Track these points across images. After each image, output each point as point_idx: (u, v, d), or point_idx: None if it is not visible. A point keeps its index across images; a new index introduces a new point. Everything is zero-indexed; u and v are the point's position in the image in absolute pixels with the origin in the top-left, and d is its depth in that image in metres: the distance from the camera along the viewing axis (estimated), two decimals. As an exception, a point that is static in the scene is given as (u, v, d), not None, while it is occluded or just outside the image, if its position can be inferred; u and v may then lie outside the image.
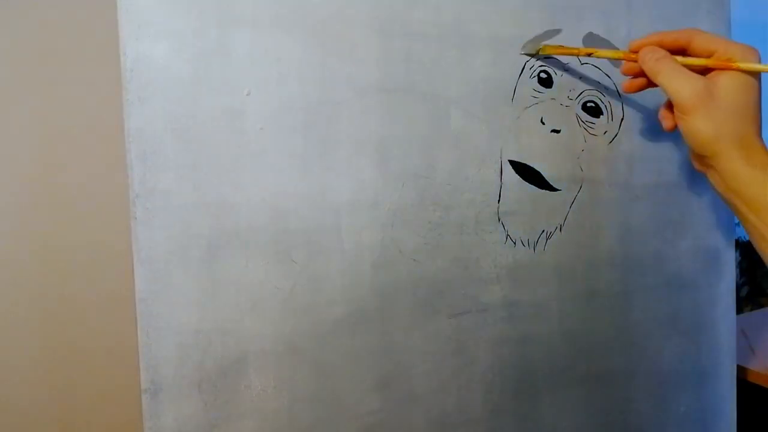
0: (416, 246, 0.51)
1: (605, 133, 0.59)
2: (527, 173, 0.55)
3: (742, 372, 0.82)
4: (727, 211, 0.66)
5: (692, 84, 0.46)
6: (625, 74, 0.53)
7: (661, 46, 0.49)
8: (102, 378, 0.66)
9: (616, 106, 0.59)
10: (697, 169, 0.52)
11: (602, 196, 0.59)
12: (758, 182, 0.46)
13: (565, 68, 0.56)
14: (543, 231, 0.56)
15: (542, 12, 0.55)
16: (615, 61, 0.56)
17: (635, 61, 0.50)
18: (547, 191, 0.56)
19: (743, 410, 0.71)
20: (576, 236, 0.58)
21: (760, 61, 0.46)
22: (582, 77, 0.57)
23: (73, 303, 0.64)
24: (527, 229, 0.55)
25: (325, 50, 0.47)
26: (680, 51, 0.49)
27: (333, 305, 0.48)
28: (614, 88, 0.59)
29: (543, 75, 0.55)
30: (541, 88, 0.55)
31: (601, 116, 0.58)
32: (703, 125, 0.46)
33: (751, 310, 1.21)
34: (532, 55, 0.54)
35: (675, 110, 0.48)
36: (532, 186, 0.55)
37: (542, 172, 0.56)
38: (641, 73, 0.51)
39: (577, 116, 0.57)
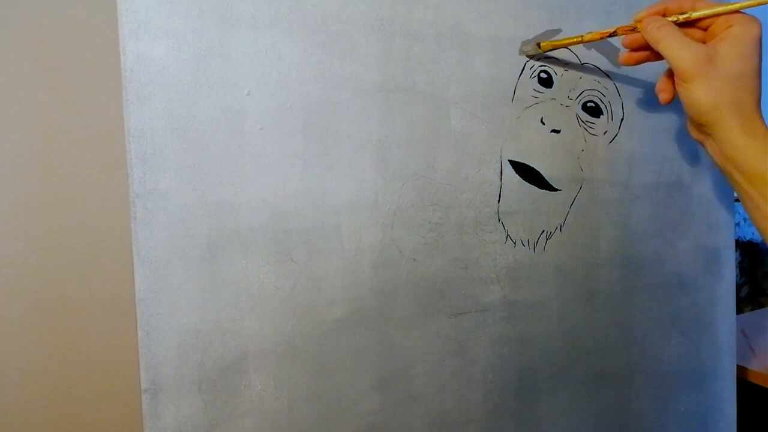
0: (416, 246, 0.51)
1: (605, 133, 0.59)
2: (527, 173, 0.55)
3: (742, 372, 0.82)
4: (728, 211, 0.66)
5: (693, 51, 0.46)
6: (627, 47, 0.52)
7: (666, 12, 0.49)
8: (102, 378, 0.66)
9: (616, 106, 0.59)
10: (694, 138, 0.52)
11: (602, 196, 0.59)
12: (755, 152, 0.45)
13: (566, 68, 0.56)
14: (543, 231, 0.56)
15: (542, 12, 0.55)
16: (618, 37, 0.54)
17: (637, 32, 0.50)
18: (547, 191, 0.56)
19: (743, 410, 0.71)
20: (576, 236, 0.58)
21: (760, 26, 0.46)
22: (582, 77, 0.57)
23: (73, 303, 0.64)
24: (527, 229, 0.55)
25: (325, 50, 0.47)
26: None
27: (333, 305, 0.48)
28: (614, 88, 0.59)
29: (543, 75, 0.55)
30: (541, 88, 0.55)
31: (601, 116, 0.58)
32: (702, 93, 0.46)
33: (751, 310, 1.21)
34: (531, 56, 0.54)
35: (675, 78, 0.48)
36: (532, 186, 0.55)
37: (542, 172, 0.56)
38: (643, 47, 0.51)
39: (577, 116, 0.57)
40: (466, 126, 0.52)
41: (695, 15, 0.48)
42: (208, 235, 0.44)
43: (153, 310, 0.42)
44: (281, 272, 0.46)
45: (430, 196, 0.51)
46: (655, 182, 0.61)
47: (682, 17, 0.48)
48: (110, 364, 0.66)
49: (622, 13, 0.58)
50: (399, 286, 0.50)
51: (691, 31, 0.48)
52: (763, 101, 0.48)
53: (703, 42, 0.47)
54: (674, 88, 0.49)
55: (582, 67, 0.57)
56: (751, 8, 0.46)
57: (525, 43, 0.54)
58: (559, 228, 0.57)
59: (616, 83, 0.59)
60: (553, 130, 0.56)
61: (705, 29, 0.48)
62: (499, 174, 0.54)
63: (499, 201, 0.54)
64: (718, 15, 0.47)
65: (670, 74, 0.50)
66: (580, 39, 0.53)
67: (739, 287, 1.19)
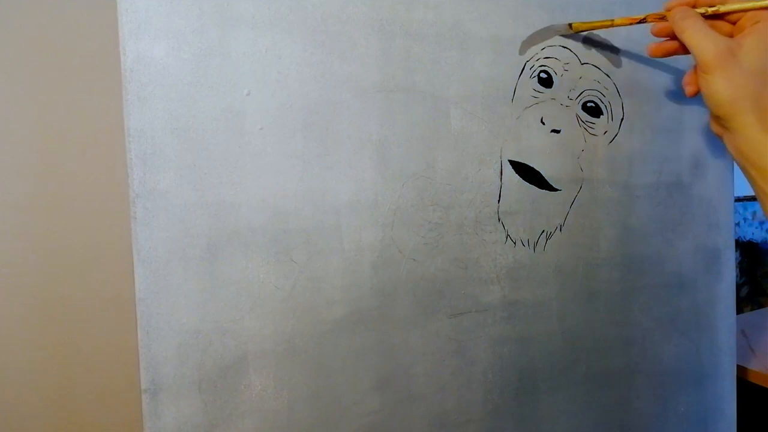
0: (416, 246, 0.51)
1: (605, 133, 0.59)
2: (527, 173, 0.55)
3: (742, 372, 0.82)
4: (727, 211, 0.66)
5: (716, 43, 0.46)
6: (656, 35, 0.53)
7: (696, 5, 0.49)
8: (102, 378, 0.66)
9: (616, 106, 0.59)
10: (714, 132, 0.52)
11: (602, 196, 0.59)
12: None
13: (566, 68, 0.56)
14: (543, 231, 0.56)
15: (542, 12, 0.55)
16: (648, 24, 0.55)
17: (666, 20, 0.50)
18: (547, 191, 0.56)
19: (743, 410, 0.71)
20: (576, 236, 0.58)
21: None
22: (582, 77, 0.57)
23: (73, 303, 0.64)
24: (527, 229, 0.55)
25: (325, 50, 0.47)
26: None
27: (333, 305, 0.48)
28: (614, 88, 0.59)
29: (543, 75, 0.55)
30: (541, 88, 0.55)
31: (601, 116, 0.58)
32: (721, 85, 0.46)
33: (751, 310, 1.21)
34: (564, 35, 0.55)
35: (697, 69, 0.48)
36: (532, 186, 0.55)
37: (542, 172, 0.56)
38: (671, 36, 0.51)
39: (577, 116, 0.57)
40: (466, 126, 0.52)
41: (723, 9, 0.48)
42: (208, 235, 0.44)
43: (153, 310, 0.42)
44: (281, 272, 0.46)
45: (430, 196, 0.51)
46: (655, 182, 0.61)
47: (710, 10, 0.48)
48: (110, 364, 0.66)
49: (622, 12, 0.58)
50: (399, 286, 0.50)
51: (719, 23, 0.49)
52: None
53: (731, 36, 0.48)
54: None
55: (582, 67, 0.57)
56: None
57: (526, 40, 0.54)
58: (559, 228, 0.57)
59: (616, 83, 0.59)
60: (553, 130, 0.56)
61: (734, 23, 0.48)
62: (499, 174, 0.54)
63: (499, 201, 0.54)
64: (746, 10, 0.47)
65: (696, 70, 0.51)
66: (611, 23, 0.53)
67: (739, 287, 1.19)
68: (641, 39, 0.59)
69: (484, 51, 0.53)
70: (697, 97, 0.51)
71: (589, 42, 0.57)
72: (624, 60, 0.59)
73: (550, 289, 0.57)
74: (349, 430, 0.49)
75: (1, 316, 0.62)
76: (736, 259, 0.68)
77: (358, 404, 0.50)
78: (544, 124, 0.55)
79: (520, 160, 0.55)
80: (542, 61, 0.55)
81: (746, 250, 1.21)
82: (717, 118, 0.49)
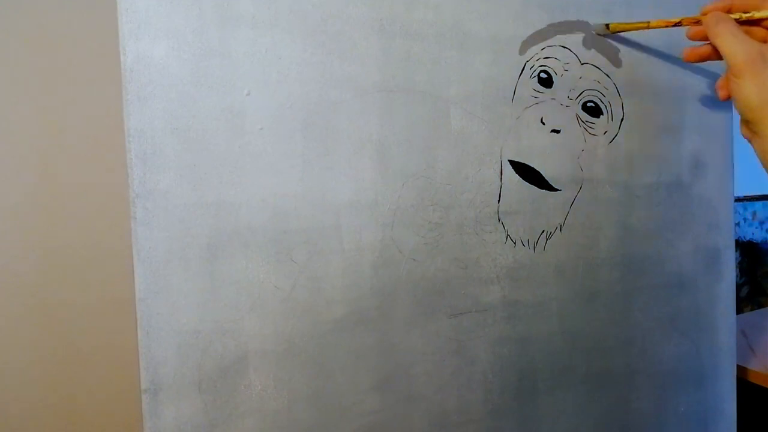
0: (416, 246, 0.51)
1: (605, 133, 0.59)
2: (527, 173, 0.55)
3: (742, 372, 0.82)
4: (727, 211, 0.66)
5: (747, 48, 0.46)
6: (691, 39, 0.53)
7: (732, 8, 0.50)
8: (102, 378, 0.66)
9: (616, 106, 0.59)
10: (744, 136, 0.52)
11: (602, 196, 0.59)
12: None
13: (566, 68, 0.56)
14: (543, 231, 0.56)
15: (542, 12, 0.55)
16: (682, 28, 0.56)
17: (700, 25, 0.51)
18: (547, 191, 0.56)
19: (743, 410, 0.71)
20: (576, 236, 0.58)
21: None
22: (582, 77, 0.57)
23: (73, 303, 0.64)
24: (527, 229, 0.55)
25: (325, 50, 0.47)
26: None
27: (333, 305, 0.48)
28: (614, 88, 0.59)
29: (543, 75, 0.55)
30: (541, 88, 0.55)
31: (601, 116, 0.58)
32: (750, 89, 0.46)
33: (751, 310, 1.21)
34: (601, 34, 0.56)
35: (728, 73, 0.49)
36: (532, 186, 0.55)
37: (542, 172, 0.56)
38: (705, 40, 0.51)
39: (577, 116, 0.57)
40: (466, 126, 0.52)
41: (758, 15, 0.49)
42: (208, 235, 0.44)
43: (153, 310, 0.42)
44: (281, 272, 0.46)
45: (430, 196, 0.51)
46: (655, 182, 0.61)
47: (745, 16, 0.49)
48: (110, 364, 0.66)
49: (622, 13, 0.58)
50: (399, 286, 0.50)
51: (754, 30, 0.49)
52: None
53: (765, 41, 0.48)
54: None
55: (582, 67, 0.57)
56: None
57: (527, 39, 0.54)
58: (559, 228, 0.57)
59: (616, 83, 0.59)
60: (553, 130, 0.56)
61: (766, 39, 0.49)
62: (499, 174, 0.54)
63: (499, 201, 0.54)
64: None
65: None
66: (646, 25, 0.54)
67: (739, 287, 1.19)
68: (639, 40, 0.60)
69: (484, 51, 0.53)
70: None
71: (589, 42, 0.57)
72: (624, 60, 0.59)
73: (550, 289, 0.57)
74: (349, 430, 0.49)
75: (1, 316, 0.62)
76: (736, 259, 0.68)
77: (358, 404, 0.50)
78: (544, 124, 0.55)
79: (520, 160, 0.55)
80: (542, 61, 0.55)
81: (746, 250, 1.21)
82: (746, 122, 0.50)
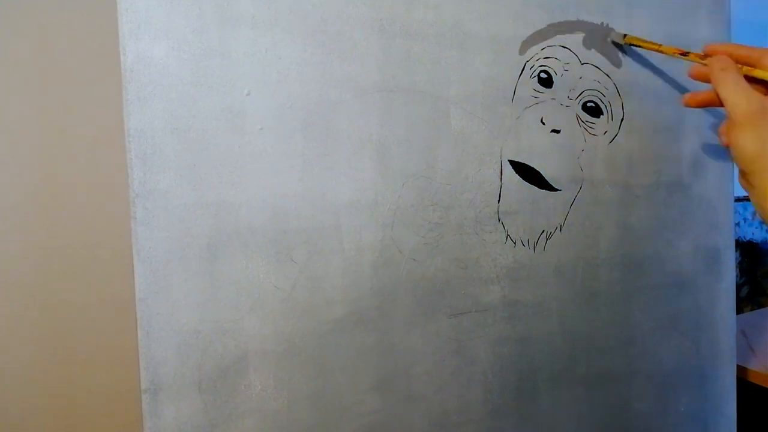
0: (416, 246, 0.51)
1: (605, 133, 0.59)
2: (527, 173, 0.55)
3: (742, 372, 0.82)
4: (727, 211, 0.66)
5: (749, 99, 0.46)
6: (692, 78, 0.53)
7: (733, 57, 0.50)
8: (102, 378, 0.66)
9: (616, 106, 0.59)
10: (742, 187, 0.52)
11: (602, 196, 0.59)
12: None
13: (566, 68, 0.56)
14: (543, 231, 0.56)
15: (542, 12, 0.55)
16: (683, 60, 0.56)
17: (705, 63, 0.51)
18: (547, 191, 0.56)
19: (743, 410, 0.71)
20: (576, 236, 0.58)
21: None
22: (582, 77, 0.57)
23: (73, 303, 0.64)
24: (527, 229, 0.55)
25: (325, 50, 0.47)
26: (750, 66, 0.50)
27: (333, 305, 0.48)
28: (614, 88, 0.59)
29: (543, 75, 0.55)
30: (541, 88, 0.55)
31: (601, 116, 0.58)
32: (748, 140, 0.46)
33: (751, 310, 1.21)
34: (617, 44, 0.57)
35: (728, 122, 0.49)
36: (532, 186, 0.55)
37: (542, 172, 0.56)
38: (707, 80, 0.51)
39: (577, 116, 0.57)
40: (466, 126, 0.52)
41: (759, 75, 0.49)
42: (208, 235, 0.44)
43: (153, 310, 0.42)
44: (281, 272, 0.46)
45: (430, 196, 0.51)
46: (655, 182, 0.61)
47: (746, 69, 0.49)
48: (110, 364, 0.66)
49: (622, 13, 0.58)
50: (399, 286, 0.50)
51: (754, 84, 0.49)
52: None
53: (766, 95, 0.48)
54: None
55: (582, 67, 0.57)
56: None
57: (527, 39, 0.54)
58: (559, 228, 0.57)
59: (616, 83, 0.59)
60: (553, 130, 0.56)
61: None
62: (499, 174, 0.54)
63: (499, 201, 0.54)
64: None
65: None
66: (658, 47, 0.55)
67: (739, 287, 1.19)
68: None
69: (484, 51, 0.53)
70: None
71: (589, 42, 0.57)
72: (624, 60, 0.59)
73: (550, 289, 0.57)
74: (349, 430, 0.49)
75: (1, 315, 0.62)
76: (736, 259, 0.68)
77: (358, 404, 0.50)
78: (544, 124, 0.55)
79: (520, 160, 0.55)
80: (542, 61, 0.55)
81: (746, 250, 1.21)
82: (744, 174, 0.50)
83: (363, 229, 0.49)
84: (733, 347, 0.68)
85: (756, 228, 1.23)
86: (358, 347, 0.49)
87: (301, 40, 0.46)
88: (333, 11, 0.47)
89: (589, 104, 0.58)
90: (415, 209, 0.50)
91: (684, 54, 0.53)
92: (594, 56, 0.58)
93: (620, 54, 0.59)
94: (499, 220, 0.54)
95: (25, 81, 0.61)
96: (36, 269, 0.63)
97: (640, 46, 0.57)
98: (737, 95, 0.47)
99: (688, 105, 0.55)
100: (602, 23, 0.58)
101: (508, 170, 0.54)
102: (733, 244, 0.67)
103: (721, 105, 0.50)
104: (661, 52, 0.55)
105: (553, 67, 0.56)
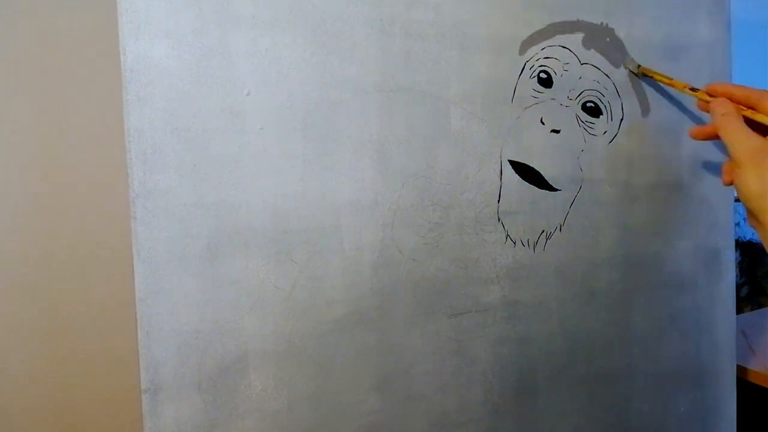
0: (416, 246, 0.51)
1: (605, 133, 0.59)
2: (527, 173, 0.55)
3: (742, 372, 0.82)
4: (727, 211, 0.66)
5: (750, 141, 0.48)
6: (700, 110, 0.56)
7: (733, 99, 0.52)
8: (102, 378, 0.66)
9: (616, 106, 0.59)
10: (750, 225, 0.53)
11: (602, 196, 0.59)
12: None
13: (566, 68, 0.56)
14: (543, 231, 0.56)
15: (542, 12, 0.55)
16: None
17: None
18: (547, 191, 0.56)
19: (743, 410, 0.71)
20: (576, 236, 0.58)
21: None
22: (582, 77, 0.57)
23: (73, 303, 0.64)
24: (527, 229, 0.55)
25: (325, 50, 0.47)
26: (750, 108, 0.52)
27: (333, 305, 0.48)
28: (614, 88, 0.59)
29: (543, 75, 0.55)
30: (541, 88, 0.55)
31: (601, 116, 0.58)
32: (752, 180, 0.47)
33: (751, 310, 1.21)
34: (630, 69, 0.58)
35: (732, 163, 0.50)
36: (532, 186, 0.55)
37: (542, 172, 0.56)
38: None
39: (577, 116, 0.57)
40: (466, 126, 0.52)
41: (760, 119, 0.50)
42: (208, 235, 0.44)
43: (153, 310, 0.42)
44: (281, 272, 0.46)
45: (430, 196, 0.51)
46: (655, 182, 0.61)
47: (746, 111, 0.51)
48: (110, 364, 0.66)
49: (622, 13, 0.58)
50: (399, 286, 0.50)
51: (758, 118, 0.51)
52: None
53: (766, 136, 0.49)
54: None
55: (582, 67, 0.57)
56: None
57: (527, 39, 0.54)
58: (559, 228, 0.57)
59: (616, 83, 0.59)
60: (553, 130, 0.56)
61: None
62: (499, 174, 0.54)
63: (499, 201, 0.54)
64: None
65: None
66: (669, 81, 0.58)
67: (739, 287, 1.19)
68: (639, 40, 0.59)
69: (484, 51, 0.53)
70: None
71: (589, 42, 0.57)
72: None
73: (550, 289, 0.57)
74: (349, 430, 0.49)
75: (1, 315, 0.62)
76: (736, 259, 0.68)
77: (358, 404, 0.50)
78: (543, 124, 0.55)
79: (520, 160, 0.55)
80: (542, 61, 0.55)
81: (746, 250, 1.21)
82: (751, 213, 0.50)
83: (363, 229, 0.49)
84: (733, 347, 0.68)
85: (756, 228, 1.22)
86: (358, 347, 0.49)
87: (301, 40, 0.46)
88: (333, 11, 0.47)
89: (588, 104, 0.58)
90: (415, 209, 0.51)
91: (693, 90, 0.55)
92: (594, 56, 0.58)
93: (620, 54, 0.59)
94: (499, 220, 0.54)
95: (25, 81, 0.61)
96: (36, 269, 0.63)
97: (652, 78, 0.59)
98: (737, 140, 0.49)
99: (695, 138, 0.58)
100: (602, 23, 0.58)
101: (508, 170, 0.54)
102: (732, 244, 0.67)
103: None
104: (672, 86, 0.58)
105: (552, 67, 0.56)
